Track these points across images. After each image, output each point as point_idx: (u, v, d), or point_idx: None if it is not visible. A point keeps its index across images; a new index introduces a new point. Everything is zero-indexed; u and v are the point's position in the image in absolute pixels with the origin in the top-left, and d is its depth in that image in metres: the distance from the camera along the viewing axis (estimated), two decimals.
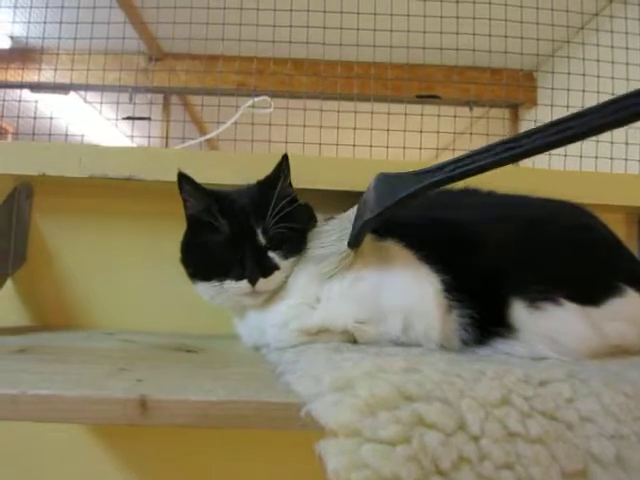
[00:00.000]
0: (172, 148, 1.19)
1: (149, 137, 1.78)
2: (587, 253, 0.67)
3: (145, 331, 0.91)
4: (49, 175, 0.89)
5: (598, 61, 1.38)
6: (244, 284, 0.67)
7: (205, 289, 0.71)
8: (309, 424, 0.43)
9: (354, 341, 0.67)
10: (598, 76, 1.35)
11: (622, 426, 0.43)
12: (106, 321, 0.96)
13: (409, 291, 0.65)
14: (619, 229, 0.75)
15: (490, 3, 1.28)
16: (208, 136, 1.05)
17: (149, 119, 1.40)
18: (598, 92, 1.32)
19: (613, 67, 1.35)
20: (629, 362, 0.59)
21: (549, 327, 0.60)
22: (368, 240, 0.70)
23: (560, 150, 1.32)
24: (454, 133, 1.52)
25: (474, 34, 1.29)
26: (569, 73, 1.42)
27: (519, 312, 0.61)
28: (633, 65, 1.28)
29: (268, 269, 0.68)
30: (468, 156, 0.56)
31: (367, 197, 0.66)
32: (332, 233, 0.70)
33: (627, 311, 0.64)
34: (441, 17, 1.33)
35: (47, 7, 1.83)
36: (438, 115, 1.31)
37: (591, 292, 0.64)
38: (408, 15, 1.33)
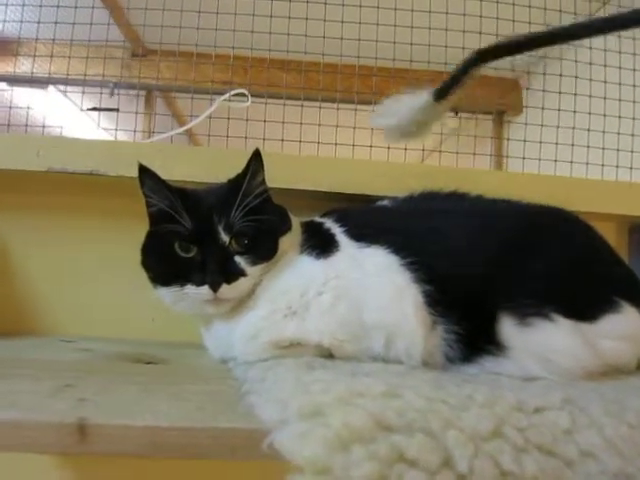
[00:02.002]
0: (139, 142, 1.12)
1: (134, 131, 1.71)
2: (581, 264, 0.63)
3: (107, 338, 0.84)
4: (4, 169, 0.82)
5: (576, 77, 1.36)
6: (205, 290, 0.61)
7: (166, 294, 0.65)
8: (273, 456, 0.37)
9: (329, 354, 0.61)
10: (575, 93, 1.33)
11: (627, 463, 0.38)
12: (65, 327, 0.89)
13: (391, 306, 0.59)
14: (609, 238, 0.70)
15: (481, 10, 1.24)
16: (179, 130, 0.99)
17: (117, 110, 1.33)
18: (573, 109, 1.30)
19: (590, 83, 1.33)
20: (627, 385, 0.55)
21: (540, 345, 0.56)
22: (352, 247, 0.65)
23: (551, 154, 1.29)
24: (441, 134, 1.47)
25: (462, 45, 1.25)
26: (560, 75, 1.39)
27: (508, 328, 0.56)
28: (625, 69, 1.25)
29: (232, 275, 0.62)
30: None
31: None
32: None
33: (624, 328, 0.60)
34: (430, 19, 1.28)
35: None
36: None
37: (585, 307, 0.60)
38: (395, 22, 1.28)
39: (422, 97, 0.68)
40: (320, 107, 1.13)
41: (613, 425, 0.40)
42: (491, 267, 0.59)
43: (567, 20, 1.30)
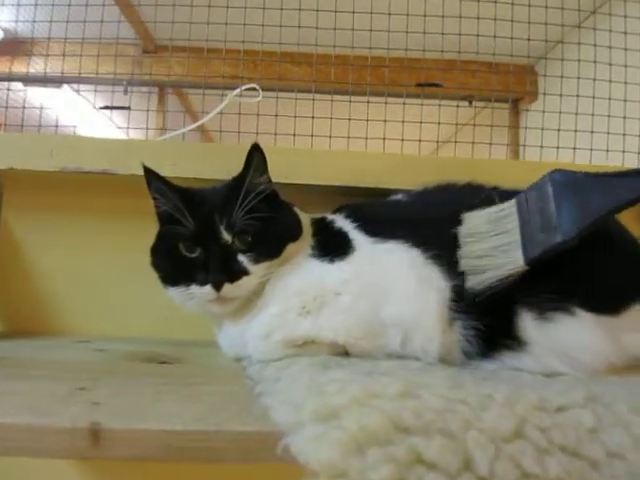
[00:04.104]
0: (150, 140, 1.12)
1: (147, 129, 1.71)
2: (603, 255, 0.60)
3: (122, 337, 0.84)
4: (18, 169, 0.82)
5: (595, 62, 1.32)
6: (208, 289, 0.61)
7: (174, 294, 0.65)
8: (288, 459, 0.36)
9: (345, 352, 0.60)
10: (594, 79, 1.29)
11: None
12: (81, 327, 0.89)
13: (411, 301, 0.58)
14: (630, 227, 0.68)
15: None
16: (190, 127, 0.99)
17: (129, 109, 1.32)
18: (592, 95, 1.26)
19: (611, 67, 1.29)
20: None
21: (561, 340, 0.54)
22: (369, 244, 0.64)
23: (569, 142, 1.25)
24: (456, 124, 1.45)
25: (477, 32, 1.22)
26: (579, 60, 1.35)
27: (528, 323, 0.55)
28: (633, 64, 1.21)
29: (235, 273, 0.61)
30: None
31: (543, 204, 0.56)
32: (486, 237, 0.60)
33: None
34: (443, 7, 1.25)
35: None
36: (439, 105, 1.24)
37: (607, 300, 0.58)
38: (407, 11, 1.26)
39: (515, 256, 0.56)
40: (332, 100, 1.12)
41: None
42: None
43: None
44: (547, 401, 0.40)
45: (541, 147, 1.34)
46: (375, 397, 0.39)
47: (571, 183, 0.54)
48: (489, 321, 0.55)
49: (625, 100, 1.23)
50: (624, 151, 1.11)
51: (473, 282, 0.57)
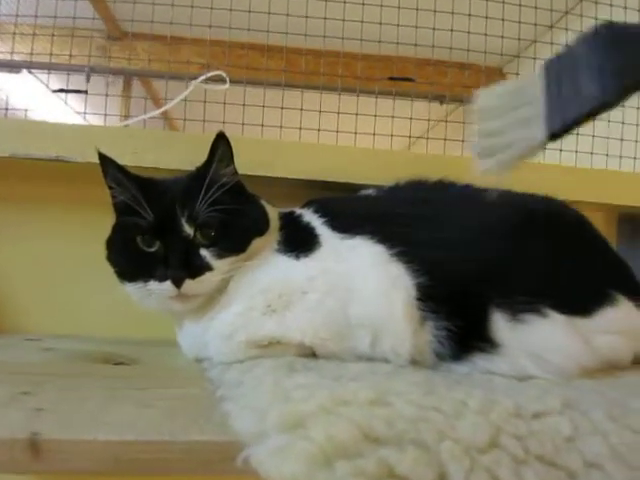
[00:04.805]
0: (109, 126, 1.07)
1: (105, 115, 1.62)
2: (575, 256, 0.60)
3: (76, 335, 0.80)
4: None
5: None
6: (167, 286, 0.57)
7: (131, 290, 0.61)
8: (249, 472, 0.33)
9: (312, 354, 0.57)
10: None
11: (634, 474, 0.35)
12: (33, 324, 0.84)
13: (380, 299, 0.56)
14: (598, 228, 0.68)
15: None
16: (153, 113, 0.94)
17: (85, 92, 1.26)
18: None
19: None
20: (625, 383, 0.52)
21: (534, 342, 0.53)
22: (336, 240, 0.61)
23: None
24: (428, 120, 1.43)
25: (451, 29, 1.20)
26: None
27: (501, 325, 0.53)
28: None
29: (197, 269, 0.58)
30: None
31: (577, 59, 0.48)
32: (503, 113, 0.52)
33: (619, 322, 0.57)
34: (417, 9, 1.23)
35: None
36: (411, 100, 1.22)
37: (580, 301, 0.57)
38: (381, 2, 1.24)
39: (535, 131, 0.49)
40: (302, 92, 1.08)
41: (617, 431, 0.37)
42: (483, 260, 0.56)
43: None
44: (522, 408, 0.39)
45: None
46: (344, 404, 0.36)
47: (622, 36, 0.47)
48: (461, 322, 0.54)
49: None
50: (592, 153, 1.11)
51: (487, 165, 0.52)
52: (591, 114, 0.47)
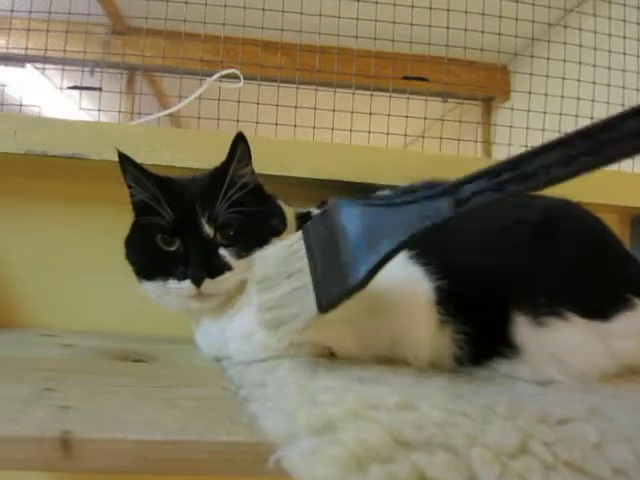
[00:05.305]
0: (124, 124, 1.07)
1: (119, 112, 1.62)
2: (595, 259, 0.60)
3: (91, 331, 0.80)
4: None
5: (564, 61, 1.32)
6: (187, 285, 0.58)
7: (150, 289, 0.62)
8: (279, 473, 0.33)
9: (330, 354, 0.58)
10: (563, 77, 1.29)
11: None
12: (46, 320, 0.84)
13: (397, 304, 0.56)
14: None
15: None
16: (167, 111, 0.94)
17: (100, 89, 1.26)
18: (561, 94, 1.26)
19: (580, 68, 1.29)
20: None
21: (555, 346, 0.53)
22: None
23: (538, 141, 1.25)
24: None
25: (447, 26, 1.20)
26: (548, 58, 1.35)
27: (521, 328, 0.53)
28: (615, 53, 1.22)
29: (217, 268, 0.59)
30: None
31: (336, 239, 0.47)
32: (281, 279, 0.50)
33: (638, 326, 0.57)
34: (412, 7, 1.22)
35: None
36: (425, 99, 1.22)
37: (600, 305, 0.57)
38: (376, 3, 1.23)
39: (310, 301, 0.47)
40: (316, 90, 1.08)
41: None
42: (503, 262, 0.56)
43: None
44: (548, 413, 0.39)
45: (509, 145, 1.33)
46: (372, 408, 0.36)
47: (360, 215, 0.47)
48: (480, 326, 0.54)
49: (593, 100, 1.24)
50: None
51: (273, 339, 0.52)
52: (351, 293, 0.46)
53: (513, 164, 0.41)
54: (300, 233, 0.51)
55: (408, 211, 0.45)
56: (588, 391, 0.48)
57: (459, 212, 0.42)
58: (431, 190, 0.44)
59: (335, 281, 0.46)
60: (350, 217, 0.47)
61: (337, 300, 0.46)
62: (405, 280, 0.56)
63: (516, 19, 1.19)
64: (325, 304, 0.46)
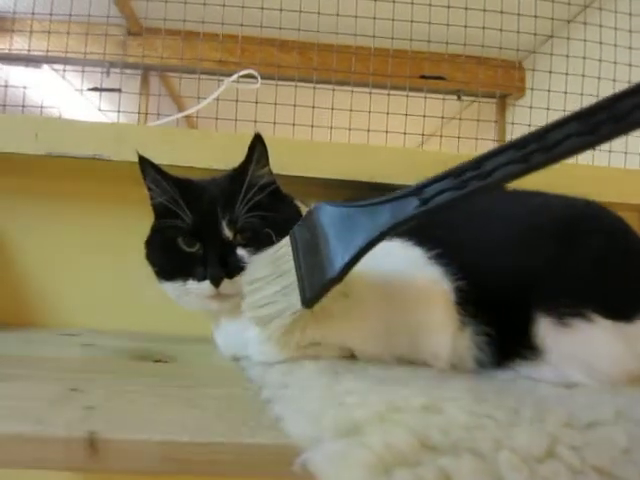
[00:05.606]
0: (144, 125, 1.08)
1: (139, 113, 1.64)
2: (618, 261, 0.59)
3: (112, 330, 0.81)
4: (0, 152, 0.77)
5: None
6: (206, 285, 0.59)
7: (170, 289, 0.63)
8: (306, 476, 0.33)
9: (351, 355, 0.58)
10: (583, 75, 1.27)
11: None
12: (67, 319, 0.85)
13: (417, 304, 0.55)
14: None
15: None
16: (187, 112, 0.94)
17: (119, 91, 1.27)
18: (580, 92, 1.24)
19: (600, 63, 1.27)
20: None
21: (579, 347, 0.52)
22: None
23: None
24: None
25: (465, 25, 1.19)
26: (567, 55, 1.33)
27: (544, 330, 0.52)
28: (636, 50, 1.20)
29: (235, 269, 0.59)
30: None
31: (317, 238, 0.51)
32: (271, 280, 0.54)
33: None
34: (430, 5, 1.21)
35: None
36: (444, 97, 1.21)
37: (623, 306, 0.56)
38: (394, 2, 1.22)
39: (293, 302, 0.51)
40: (334, 89, 1.08)
41: None
42: (526, 262, 0.55)
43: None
44: (575, 417, 0.38)
45: None
46: (397, 411, 0.36)
47: (338, 215, 0.50)
48: (502, 327, 0.53)
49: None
50: (610, 151, 1.09)
51: (263, 336, 0.55)
52: (329, 287, 0.49)
53: (476, 163, 0.43)
54: (288, 237, 0.54)
55: (383, 210, 0.48)
56: (614, 394, 0.47)
57: (422, 211, 0.45)
58: (403, 190, 0.47)
59: (317, 277, 0.49)
60: (329, 217, 0.50)
61: (318, 294, 0.50)
62: (425, 280, 0.56)
63: (535, 16, 1.18)
64: (308, 299, 0.50)
